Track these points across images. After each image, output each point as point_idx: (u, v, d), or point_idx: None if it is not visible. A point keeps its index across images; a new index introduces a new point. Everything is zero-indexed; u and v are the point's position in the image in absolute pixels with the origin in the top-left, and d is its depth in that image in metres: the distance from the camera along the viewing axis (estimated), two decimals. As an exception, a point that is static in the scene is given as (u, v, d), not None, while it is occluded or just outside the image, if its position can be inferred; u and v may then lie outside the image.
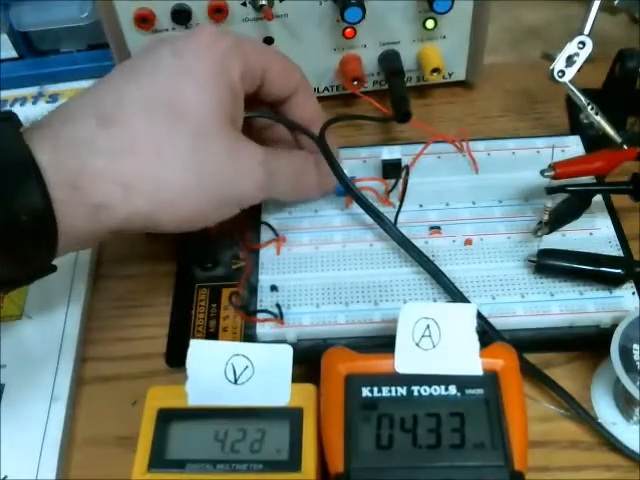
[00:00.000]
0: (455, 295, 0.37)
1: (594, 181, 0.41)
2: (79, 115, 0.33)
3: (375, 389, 0.32)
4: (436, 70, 0.49)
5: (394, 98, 0.46)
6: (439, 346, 0.32)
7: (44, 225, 0.30)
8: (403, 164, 0.43)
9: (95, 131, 0.32)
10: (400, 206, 0.41)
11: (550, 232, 0.38)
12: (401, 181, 0.42)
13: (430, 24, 0.47)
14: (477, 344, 0.32)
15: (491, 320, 0.36)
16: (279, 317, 0.37)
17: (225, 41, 0.36)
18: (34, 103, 0.53)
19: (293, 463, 0.31)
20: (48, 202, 0.30)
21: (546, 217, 0.38)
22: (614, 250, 0.40)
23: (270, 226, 0.42)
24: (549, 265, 0.38)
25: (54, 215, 0.30)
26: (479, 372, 0.32)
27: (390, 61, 0.48)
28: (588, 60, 0.43)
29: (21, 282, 0.33)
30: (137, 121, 0.33)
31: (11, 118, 0.31)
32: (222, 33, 0.36)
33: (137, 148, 0.32)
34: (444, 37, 0.48)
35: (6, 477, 0.34)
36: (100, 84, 0.34)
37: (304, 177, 0.40)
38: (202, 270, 0.41)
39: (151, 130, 0.33)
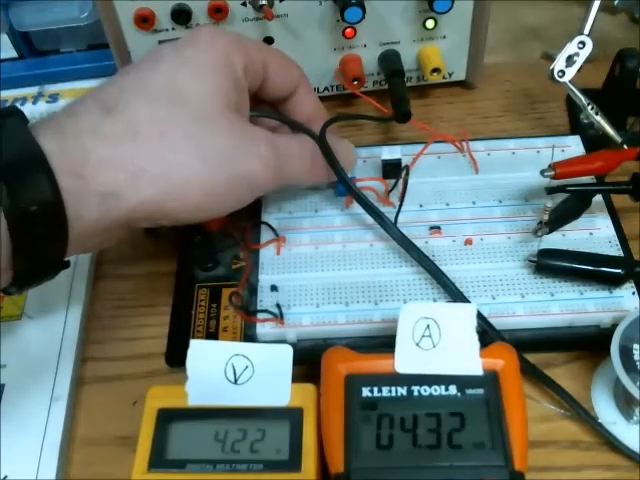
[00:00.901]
0: (455, 295, 0.37)
1: (594, 181, 0.42)
2: (82, 107, 0.33)
3: (375, 389, 0.32)
4: (436, 70, 0.49)
5: (394, 98, 0.46)
6: (439, 346, 0.32)
7: (53, 215, 0.30)
8: (403, 164, 0.43)
9: (98, 120, 0.32)
10: (400, 206, 0.41)
11: (550, 232, 0.38)
12: (401, 181, 0.42)
13: (430, 24, 0.47)
14: (477, 344, 0.32)
15: (491, 320, 0.36)
16: (279, 317, 0.37)
17: (226, 36, 0.36)
18: (34, 103, 0.54)
19: (293, 463, 0.31)
20: (56, 191, 0.30)
21: (546, 217, 0.38)
22: (614, 250, 0.40)
23: (270, 226, 0.42)
24: (549, 265, 0.38)
25: (63, 204, 0.30)
26: (479, 372, 0.32)
27: (390, 61, 0.48)
28: (588, 60, 0.43)
29: (34, 279, 0.32)
30: (139, 107, 0.33)
31: (16, 113, 0.31)
32: (222, 31, 0.37)
33: (140, 132, 0.32)
34: (444, 37, 0.48)
35: (6, 477, 0.34)
36: (103, 82, 0.35)
37: (318, 160, 0.40)
38: (202, 270, 0.41)
39: (153, 114, 0.33)
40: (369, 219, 0.40)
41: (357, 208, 0.41)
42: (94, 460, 0.35)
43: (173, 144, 0.33)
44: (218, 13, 0.45)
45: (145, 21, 0.45)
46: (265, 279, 0.39)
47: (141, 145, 0.32)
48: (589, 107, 0.43)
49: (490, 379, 0.32)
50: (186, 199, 0.33)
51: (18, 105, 0.53)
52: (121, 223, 0.33)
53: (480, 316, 0.35)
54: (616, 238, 0.40)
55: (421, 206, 0.42)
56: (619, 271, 0.37)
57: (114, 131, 0.32)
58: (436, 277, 0.38)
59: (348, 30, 0.47)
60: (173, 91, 0.34)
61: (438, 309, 0.33)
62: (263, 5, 0.44)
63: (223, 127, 0.34)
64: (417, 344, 0.32)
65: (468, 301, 0.37)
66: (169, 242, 0.43)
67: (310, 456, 0.31)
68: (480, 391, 0.32)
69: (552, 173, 0.38)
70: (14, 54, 0.55)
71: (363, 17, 0.44)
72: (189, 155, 0.33)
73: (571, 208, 0.40)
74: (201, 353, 0.32)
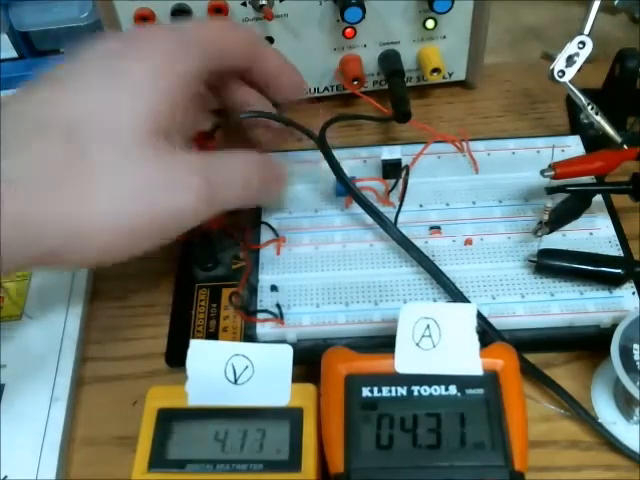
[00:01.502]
0: (455, 295, 0.37)
1: (594, 181, 0.42)
2: None
3: (375, 389, 0.32)
4: (436, 70, 0.49)
5: (394, 98, 0.46)
6: (439, 346, 0.32)
7: None
8: (403, 164, 0.43)
9: None
10: (400, 206, 0.41)
11: (550, 232, 0.38)
12: (401, 181, 0.42)
13: (430, 24, 0.47)
14: (477, 344, 0.32)
15: (491, 320, 0.36)
16: (279, 317, 0.37)
17: (165, 43, 0.33)
18: (34, 103, 0.53)
19: (293, 463, 0.31)
20: None
21: (546, 217, 0.38)
22: (614, 250, 0.40)
23: (270, 226, 0.42)
24: (549, 265, 0.38)
25: None
26: (479, 372, 0.32)
27: (390, 61, 0.48)
28: (588, 60, 0.43)
29: None
30: (38, 146, 0.29)
31: None
32: (163, 32, 0.34)
33: (36, 178, 0.28)
34: (444, 37, 0.48)
35: (6, 477, 0.34)
36: (15, 93, 0.31)
37: (265, 176, 0.37)
38: (202, 270, 0.41)
39: (58, 154, 0.29)
40: (369, 219, 0.40)
41: (357, 208, 0.40)
42: (94, 460, 0.35)
43: (82, 188, 0.29)
44: (218, 13, 0.45)
45: (145, 21, 0.44)
46: (265, 279, 0.39)
47: (36, 194, 0.28)
48: (589, 107, 0.43)
49: (490, 379, 0.32)
50: (89, 249, 0.30)
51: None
52: (27, 265, 0.30)
53: (480, 316, 0.35)
54: (616, 238, 0.40)
55: (421, 206, 0.42)
56: (619, 271, 0.37)
57: (8, 175, 0.28)
58: (436, 277, 0.38)
59: (348, 30, 0.47)
60: (90, 118, 0.30)
61: (438, 309, 0.33)
62: (263, 5, 0.44)
63: (147, 157, 0.31)
64: (417, 344, 0.32)
65: (468, 301, 0.37)
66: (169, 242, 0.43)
67: (310, 456, 0.31)
68: (480, 391, 0.32)
69: (552, 173, 0.38)
70: (14, 54, 0.55)
71: (363, 17, 0.44)
72: (98, 198, 0.29)
73: (571, 208, 0.40)
74: (201, 353, 0.32)
